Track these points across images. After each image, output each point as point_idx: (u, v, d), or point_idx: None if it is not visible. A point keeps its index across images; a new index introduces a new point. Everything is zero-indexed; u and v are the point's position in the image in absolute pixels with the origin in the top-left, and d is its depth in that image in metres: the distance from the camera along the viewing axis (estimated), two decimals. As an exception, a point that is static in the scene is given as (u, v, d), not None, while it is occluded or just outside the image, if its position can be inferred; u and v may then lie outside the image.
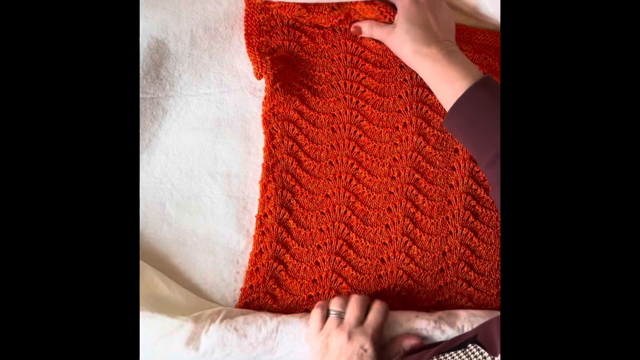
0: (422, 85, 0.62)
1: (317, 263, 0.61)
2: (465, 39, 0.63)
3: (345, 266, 0.60)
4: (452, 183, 0.61)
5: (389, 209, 0.61)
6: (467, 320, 0.56)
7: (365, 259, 0.60)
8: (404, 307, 0.59)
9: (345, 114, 0.62)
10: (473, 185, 0.61)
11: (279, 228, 0.61)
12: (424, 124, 0.61)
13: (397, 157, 0.61)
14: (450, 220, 0.60)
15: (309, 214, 0.61)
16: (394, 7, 0.59)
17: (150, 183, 0.63)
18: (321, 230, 0.61)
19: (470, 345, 0.42)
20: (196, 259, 0.62)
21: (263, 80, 0.64)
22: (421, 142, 0.61)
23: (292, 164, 0.62)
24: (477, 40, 0.64)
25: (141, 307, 0.55)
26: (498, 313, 0.57)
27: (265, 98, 0.63)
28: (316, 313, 0.56)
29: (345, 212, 0.61)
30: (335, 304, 0.56)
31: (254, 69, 0.62)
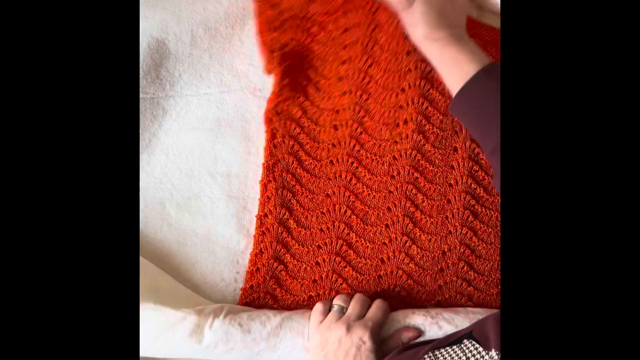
0: (425, 77, 0.61)
1: (317, 263, 0.61)
2: (471, 32, 0.63)
3: (345, 266, 0.60)
4: (452, 182, 0.61)
5: (389, 209, 0.61)
6: (465, 317, 0.56)
7: (365, 259, 0.60)
8: (403, 307, 0.59)
9: (349, 109, 0.62)
10: (472, 185, 0.61)
11: (279, 228, 0.61)
12: (424, 120, 0.61)
13: (396, 156, 0.61)
14: (449, 220, 0.60)
15: (309, 213, 0.61)
16: None
17: (150, 183, 0.63)
18: (321, 230, 0.61)
19: (465, 340, 0.43)
20: (196, 259, 0.62)
21: (263, 80, 0.64)
22: (421, 140, 0.61)
23: (292, 163, 0.62)
24: (482, 36, 0.64)
25: (145, 299, 0.56)
26: (495, 311, 0.57)
27: (270, 96, 0.63)
28: (318, 307, 0.57)
29: (346, 211, 0.61)
30: (338, 299, 0.57)
31: (263, 64, 0.62)
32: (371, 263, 0.60)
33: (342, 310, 0.56)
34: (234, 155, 0.64)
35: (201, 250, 0.62)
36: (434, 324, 0.55)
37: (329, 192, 0.61)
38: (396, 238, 0.60)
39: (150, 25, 0.63)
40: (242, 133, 0.64)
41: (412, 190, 0.61)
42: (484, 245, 0.60)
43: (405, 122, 0.61)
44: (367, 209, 0.61)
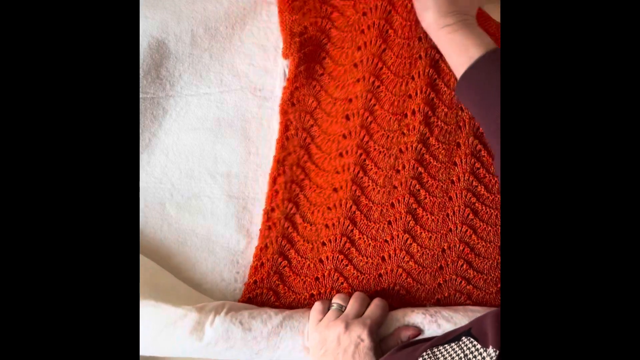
0: (433, 66, 0.62)
1: (320, 260, 0.61)
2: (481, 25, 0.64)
3: (347, 265, 0.60)
4: (454, 179, 0.61)
5: (392, 205, 0.61)
6: (464, 315, 0.56)
7: (367, 258, 0.60)
8: (403, 306, 0.59)
9: (362, 98, 0.62)
10: (474, 182, 0.61)
11: (286, 223, 0.61)
12: (430, 112, 0.62)
13: (402, 149, 0.62)
14: (450, 217, 0.61)
15: (316, 209, 0.61)
16: None
17: (150, 183, 0.63)
18: (326, 226, 0.61)
19: (463, 338, 0.43)
20: (196, 259, 0.62)
21: (263, 80, 0.65)
22: (426, 133, 0.61)
23: (303, 156, 0.62)
24: (491, 31, 0.64)
25: (145, 296, 0.56)
26: (494, 309, 0.57)
27: (285, 85, 0.63)
28: (317, 305, 0.57)
29: (351, 207, 0.61)
30: (338, 298, 0.58)
31: (283, 48, 0.63)
32: (372, 261, 0.60)
33: (341, 309, 0.56)
34: (234, 155, 0.64)
35: (201, 250, 0.62)
36: (433, 323, 0.55)
37: (336, 187, 0.62)
38: (398, 235, 0.60)
39: (150, 25, 0.63)
40: (242, 133, 0.64)
41: (415, 185, 0.61)
42: (484, 243, 0.60)
43: (413, 112, 0.62)
44: (372, 205, 0.61)
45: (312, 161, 0.62)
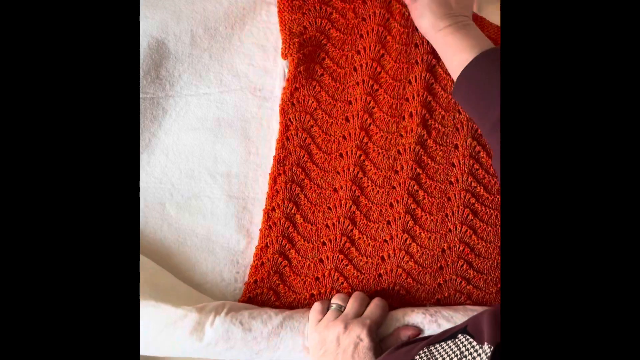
0: (430, 70, 0.63)
1: (320, 260, 0.61)
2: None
3: (347, 265, 0.60)
4: (452, 180, 0.61)
5: (391, 205, 0.61)
6: (464, 315, 0.56)
7: (367, 257, 0.61)
8: (403, 306, 0.59)
9: (361, 100, 0.63)
10: (472, 183, 0.61)
11: (286, 222, 0.61)
12: (427, 114, 0.62)
13: (400, 150, 0.62)
14: (449, 218, 0.61)
15: (316, 208, 0.62)
16: None
17: (150, 183, 0.63)
18: (327, 226, 0.61)
19: (460, 335, 0.43)
20: (196, 259, 0.62)
21: (263, 80, 0.65)
22: (424, 135, 0.62)
23: (303, 156, 0.62)
24: (489, 34, 0.65)
25: (145, 296, 0.56)
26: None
27: (284, 85, 0.64)
28: (316, 306, 0.57)
29: (351, 207, 0.61)
30: (337, 298, 0.58)
31: (282, 48, 0.63)
32: (372, 261, 0.60)
33: (340, 309, 0.56)
34: (234, 155, 0.64)
35: (201, 250, 0.62)
36: (433, 322, 0.55)
37: (336, 187, 0.62)
38: (397, 235, 0.60)
39: (150, 25, 0.63)
40: (242, 133, 0.64)
41: (414, 186, 0.61)
42: (484, 243, 0.60)
43: (411, 115, 0.62)
44: (371, 205, 0.61)
45: (313, 161, 0.63)
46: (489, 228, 0.61)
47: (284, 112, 0.63)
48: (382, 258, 0.61)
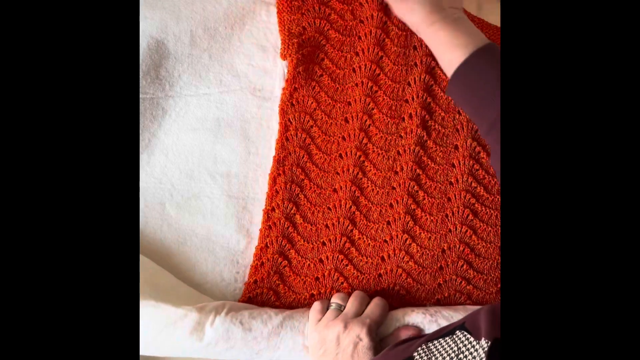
0: (429, 72, 0.63)
1: (320, 260, 0.61)
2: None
3: (347, 265, 0.60)
4: (452, 180, 0.61)
5: (391, 205, 0.61)
6: (464, 315, 0.56)
7: (367, 258, 0.61)
8: (403, 306, 0.59)
9: (360, 102, 0.63)
10: (473, 183, 0.61)
11: (286, 223, 0.61)
12: (427, 116, 0.62)
13: (400, 151, 0.62)
14: (449, 218, 0.61)
15: (316, 209, 0.62)
16: None
17: (150, 183, 0.63)
18: (327, 226, 0.61)
19: (457, 332, 0.43)
20: (196, 259, 0.62)
21: (263, 80, 0.65)
22: (424, 136, 0.62)
23: (303, 157, 0.62)
24: (488, 35, 0.65)
25: (145, 296, 0.56)
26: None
27: (284, 85, 0.63)
28: (316, 305, 0.57)
29: (350, 207, 0.61)
30: (337, 297, 0.58)
31: (281, 49, 0.63)
32: (372, 261, 0.60)
33: (340, 308, 0.56)
34: (234, 155, 0.64)
35: (201, 250, 0.62)
36: (433, 322, 0.55)
37: (336, 187, 0.62)
38: (397, 235, 0.60)
39: (150, 25, 0.63)
40: (242, 133, 0.64)
41: (414, 187, 0.61)
42: (484, 243, 0.60)
43: (410, 116, 0.62)
44: (371, 205, 0.61)
45: (313, 161, 0.63)
46: (489, 228, 0.61)
47: (283, 112, 0.63)
48: (382, 258, 0.61)
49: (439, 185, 0.62)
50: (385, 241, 0.61)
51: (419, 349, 0.43)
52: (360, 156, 0.62)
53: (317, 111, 0.63)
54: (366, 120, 0.63)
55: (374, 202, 0.61)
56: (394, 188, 0.61)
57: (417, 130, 0.62)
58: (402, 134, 0.62)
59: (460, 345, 0.41)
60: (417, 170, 0.61)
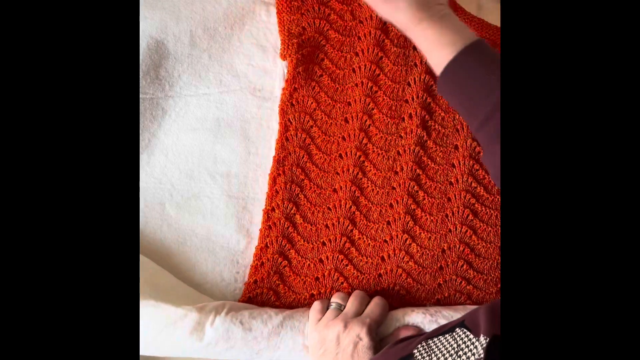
0: (429, 72, 0.63)
1: (320, 260, 0.61)
2: (476, 31, 0.65)
3: (347, 265, 0.60)
4: (452, 180, 0.62)
5: (391, 205, 0.61)
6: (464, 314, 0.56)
7: (367, 258, 0.61)
8: (403, 306, 0.59)
9: (360, 102, 0.63)
10: (473, 183, 0.61)
11: (286, 223, 0.61)
12: (427, 116, 0.62)
13: (400, 151, 0.62)
14: (449, 218, 0.61)
15: (316, 209, 0.62)
16: None
17: (150, 183, 0.63)
18: (327, 226, 0.61)
19: (457, 329, 0.43)
20: (196, 259, 0.62)
21: (263, 80, 0.65)
22: (424, 136, 0.62)
23: (303, 157, 0.63)
24: (488, 35, 0.65)
25: (145, 296, 0.56)
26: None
27: (284, 85, 0.64)
28: (316, 305, 0.57)
29: (350, 207, 0.61)
30: (337, 297, 0.58)
31: (281, 49, 0.64)
32: (372, 261, 0.61)
33: (340, 308, 0.56)
34: (234, 155, 0.64)
35: (201, 250, 0.62)
36: (433, 322, 0.55)
37: (336, 187, 0.62)
38: (397, 236, 0.60)
39: (149, 25, 0.63)
40: (242, 133, 0.64)
41: (414, 187, 0.61)
42: (484, 243, 0.60)
43: (410, 116, 0.62)
44: (371, 205, 0.61)
45: (313, 162, 0.63)
46: (489, 228, 0.61)
47: (283, 112, 0.63)
48: (382, 258, 0.61)
49: (439, 185, 0.62)
50: (385, 241, 0.61)
51: (419, 346, 0.43)
52: (360, 156, 0.62)
53: (317, 111, 0.63)
54: (366, 121, 0.63)
55: (374, 202, 0.61)
56: (394, 188, 0.61)
57: (417, 130, 0.62)
58: (402, 134, 0.62)
59: (460, 342, 0.42)
60: (417, 170, 0.62)
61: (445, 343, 0.42)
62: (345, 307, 0.56)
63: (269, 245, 0.61)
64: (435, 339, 0.44)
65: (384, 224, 0.61)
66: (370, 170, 0.62)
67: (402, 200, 0.61)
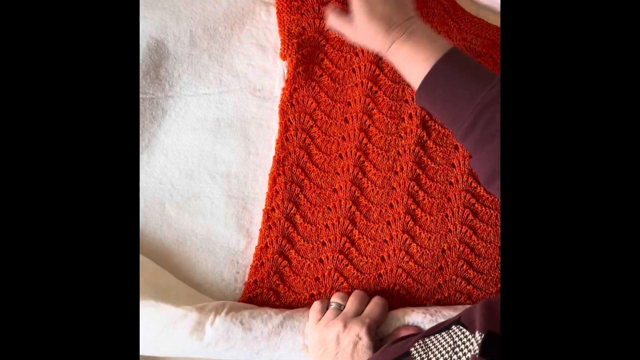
0: None
1: (320, 260, 0.61)
2: (476, 31, 0.65)
3: (347, 265, 0.60)
4: (452, 180, 0.62)
5: (391, 205, 0.61)
6: None
7: (367, 258, 0.61)
8: (403, 306, 0.59)
9: (360, 102, 0.63)
10: (473, 183, 0.61)
11: (286, 223, 0.61)
12: (427, 116, 0.63)
13: (400, 151, 0.62)
14: (449, 218, 0.61)
15: (316, 209, 0.62)
16: None
17: (150, 183, 0.63)
18: (327, 226, 0.61)
19: (453, 326, 0.43)
20: (196, 259, 0.62)
21: (263, 80, 0.65)
22: (424, 136, 0.62)
23: (303, 157, 0.63)
24: (488, 35, 0.65)
25: (145, 296, 0.56)
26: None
27: (284, 85, 0.64)
28: (316, 305, 0.57)
29: (350, 207, 0.61)
30: (336, 297, 0.58)
31: (281, 49, 0.64)
32: (372, 261, 0.61)
33: (340, 308, 0.56)
34: (234, 155, 0.64)
35: (201, 250, 0.62)
36: (433, 322, 0.55)
37: (336, 187, 0.62)
38: (397, 235, 0.60)
39: (149, 25, 0.63)
40: (242, 133, 0.64)
41: (414, 187, 0.61)
42: (484, 243, 0.60)
43: (410, 116, 0.62)
44: (371, 205, 0.61)
45: (313, 162, 0.63)
46: (489, 228, 0.61)
47: (283, 112, 0.63)
48: (382, 258, 0.61)
49: (439, 185, 0.62)
50: (385, 241, 0.61)
51: (416, 344, 0.44)
52: (360, 156, 0.62)
53: (317, 111, 0.63)
54: (366, 121, 0.63)
55: (374, 202, 0.61)
56: (394, 188, 0.62)
57: (417, 131, 0.62)
58: (402, 134, 0.62)
59: (456, 339, 0.42)
60: (417, 170, 0.62)
61: (442, 340, 0.43)
62: (345, 307, 0.56)
63: (269, 245, 0.61)
64: (432, 337, 0.44)
65: (384, 224, 0.61)
66: (370, 170, 0.62)
67: (402, 200, 0.61)
